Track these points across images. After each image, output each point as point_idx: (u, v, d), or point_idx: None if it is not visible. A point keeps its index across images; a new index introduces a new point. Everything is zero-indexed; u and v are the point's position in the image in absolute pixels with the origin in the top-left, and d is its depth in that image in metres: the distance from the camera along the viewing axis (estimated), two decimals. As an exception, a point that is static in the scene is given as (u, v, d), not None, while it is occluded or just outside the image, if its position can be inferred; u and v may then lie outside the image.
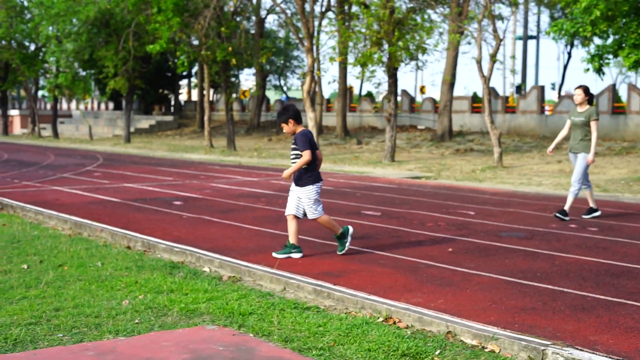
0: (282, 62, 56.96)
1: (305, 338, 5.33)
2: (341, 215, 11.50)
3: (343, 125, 36.46)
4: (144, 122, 47.82)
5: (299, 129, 8.06)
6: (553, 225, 10.82)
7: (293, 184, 8.13)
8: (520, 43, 51.75)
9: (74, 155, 27.11)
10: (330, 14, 32.76)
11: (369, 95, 43.62)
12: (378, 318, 5.92)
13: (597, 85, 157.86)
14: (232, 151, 29.90)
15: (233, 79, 47.55)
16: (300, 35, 28.02)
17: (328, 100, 45.90)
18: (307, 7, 28.17)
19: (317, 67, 27.67)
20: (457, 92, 52.90)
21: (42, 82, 48.81)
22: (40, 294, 6.49)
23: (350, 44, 24.73)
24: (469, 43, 29.88)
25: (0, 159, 25.01)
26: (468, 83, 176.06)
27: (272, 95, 67.03)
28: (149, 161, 24.84)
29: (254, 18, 42.25)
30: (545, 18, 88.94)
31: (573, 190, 11.34)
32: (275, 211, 12.00)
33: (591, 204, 11.77)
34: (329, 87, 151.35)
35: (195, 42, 32.07)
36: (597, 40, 20.57)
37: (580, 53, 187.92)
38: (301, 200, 8.07)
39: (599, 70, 19.65)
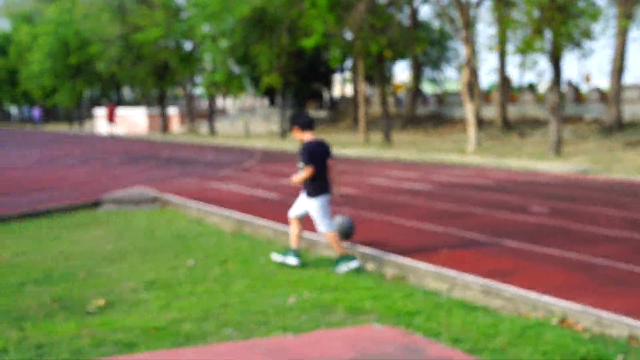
0: (437, 54, 56.46)
1: (476, 339, 5.25)
2: (505, 210, 11.28)
3: (503, 117, 35.70)
4: (298, 118, 48.59)
5: (307, 136, 7.93)
6: None
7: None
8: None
9: (232, 152, 27.94)
10: (486, 3, 32.17)
11: (530, 85, 42.56)
12: (552, 319, 5.75)
13: None
14: (388, 146, 29.93)
15: (387, 72, 47.56)
16: (456, 26, 27.68)
17: (487, 92, 45.13)
18: (464, -5, 27.78)
19: (474, 57, 27.24)
20: (627, 80, 50.71)
21: (198, 80, 50.53)
22: (207, 290, 6.72)
23: (509, 32, 24.17)
24: (640, 28, 28.59)
25: (162, 156, 26.10)
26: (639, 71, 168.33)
27: (427, 88, 66.62)
28: (304, 157, 25.19)
29: (407, 9, 42.11)
30: None
31: None
32: (436, 207, 11.91)
33: None
34: (487, 79, 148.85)
35: (349, 36, 32.28)
36: None
37: None
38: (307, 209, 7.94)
39: None
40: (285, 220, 10.41)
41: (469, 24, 26.33)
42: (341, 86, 61.04)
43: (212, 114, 46.08)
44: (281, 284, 6.91)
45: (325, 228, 7.82)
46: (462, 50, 26.71)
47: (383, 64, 32.94)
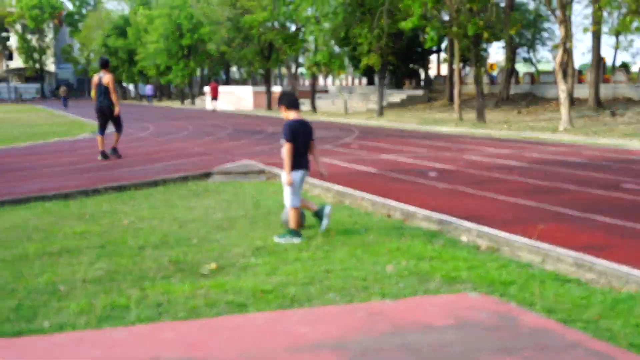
0: (532, 34, 55.17)
1: (569, 310, 5.17)
2: (598, 188, 11.00)
3: (596, 97, 34.68)
4: (396, 96, 48.40)
5: (292, 115, 7.92)
6: None
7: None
8: None
9: (331, 129, 28.03)
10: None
11: (624, 65, 41.18)
12: (644, 294, 5.60)
13: None
14: (481, 124, 29.48)
15: (483, 53, 46.79)
16: (553, 7, 26.95)
17: (579, 72, 43.88)
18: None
19: (569, 38, 26.48)
20: None
21: (301, 60, 50.83)
22: (311, 257, 6.80)
23: (605, 13, 23.41)
24: None
25: (266, 131, 26.42)
26: None
27: (521, 68, 65.19)
28: (401, 134, 25.13)
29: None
30: None
31: None
32: (529, 183, 11.70)
33: None
34: (581, 59, 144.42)
35: (446, 18, 31.86)
36: None
37: None
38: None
39: None
40: (383, 193, 10.42)
41: (565, 5, 25.60)
42: (437, 65, 60.39)
43: (314, 92, 46.29)
44: (380, 252, 6.93)
45: (291, 203, 7.85)
46: (557, 31, 25.95)
47: (479, 45, 32.37)
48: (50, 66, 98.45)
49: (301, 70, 58.80)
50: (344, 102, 44.37)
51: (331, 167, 14.26)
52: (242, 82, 75.62)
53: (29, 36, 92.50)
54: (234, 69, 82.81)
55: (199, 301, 5.45)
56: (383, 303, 5.27)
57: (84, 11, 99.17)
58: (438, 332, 4.22)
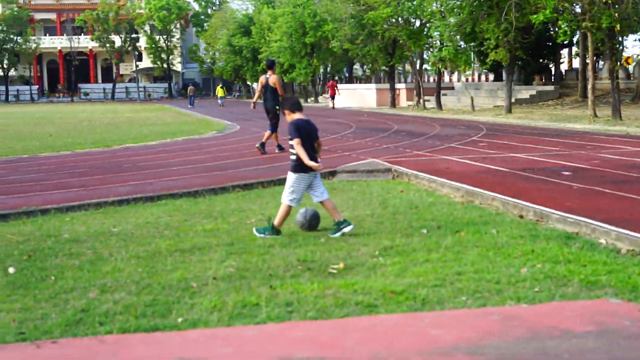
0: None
1: None
2: None
3: None
4: (524, 92, 47.31)
5: (297, 116, 8.16)
6: None
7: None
8: None
9: (458, 126, 27.68)
10: None
11: None
12: None
13: None
14: (617, 120, 28.41)
15: (618, 46, 45.09)
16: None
17: None
18: None
19: None
20: None
21: (426, 56, 50.45)
22: (441, 258, 6.73)
23: None
24: None
25: (391, 129, 26.35)
26: None
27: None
28: (531, 131, 24.54)
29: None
30: None
31: None
32: (671, 183, 11.19)
33: None
34: None
35: (579, 10, 30.88)
36: None
37: None
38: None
39: None
40: (513, 194, 10.20)
41: None
42: (569, 60, 58.69)
43: (439, 89, 45.86)
44: (513, 254, 6.78)
45: (287, 201, 8.12)
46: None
47: (614, 39, 31.21)
48: (177, 66, 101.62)
49: (426, 66, 58.35)
50: (470, 98, 43.73)
51: (459, 165, 14.08)
52: (365, 79, 75.78)
53: (157, 37, 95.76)
54: (356, 66, 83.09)
55: (328, 301, 5.48)
56: (519, 307, 5.15)
57: (209, 11, 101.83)
58: (578, 339, 4.08)
